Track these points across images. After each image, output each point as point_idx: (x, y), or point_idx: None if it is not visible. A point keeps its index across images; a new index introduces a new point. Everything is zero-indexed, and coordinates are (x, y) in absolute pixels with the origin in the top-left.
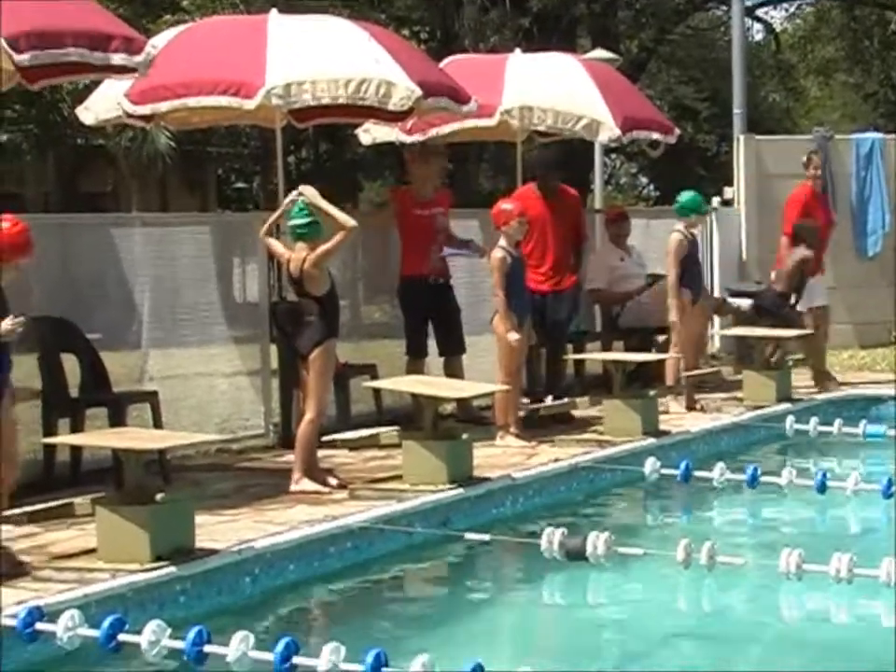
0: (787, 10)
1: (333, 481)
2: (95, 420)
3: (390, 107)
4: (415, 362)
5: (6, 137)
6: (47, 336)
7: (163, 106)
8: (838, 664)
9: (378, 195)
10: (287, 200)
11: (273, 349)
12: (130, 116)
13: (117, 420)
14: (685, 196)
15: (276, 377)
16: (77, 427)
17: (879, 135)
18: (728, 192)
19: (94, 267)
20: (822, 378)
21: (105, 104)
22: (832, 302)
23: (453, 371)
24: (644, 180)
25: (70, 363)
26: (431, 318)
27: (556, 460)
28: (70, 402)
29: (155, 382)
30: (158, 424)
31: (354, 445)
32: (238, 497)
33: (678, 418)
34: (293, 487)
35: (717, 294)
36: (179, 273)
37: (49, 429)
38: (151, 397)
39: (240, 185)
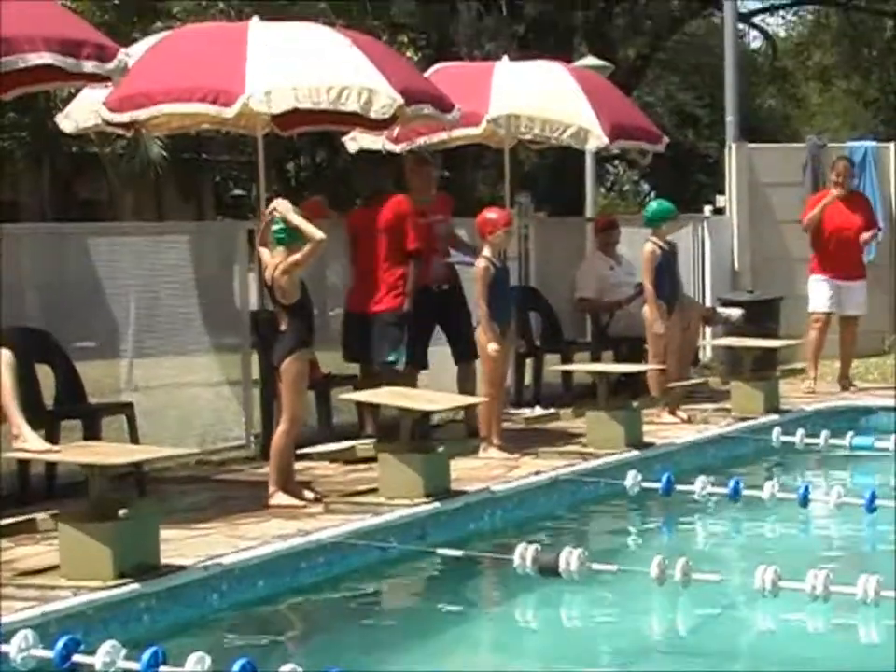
0: (783, 17)
1: (309, 494)
2: (73, 431)
3: (372, 115)
4: (411, 373)
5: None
6: (22, 347)
7: (142, 114)
8: None
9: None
10: (267, 210)
11: (255, 359)
12: (108, 123)
13: (91, 432)
14: (651, 207)
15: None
16: (51, 439)
17: (873, 143)
18: (720, 200)
19: (74, 277)
20: (846, 384)
21: (83, 112)
22: None
23: (465, 376)
24: (647, 187)
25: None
26: (441, 326)
27: (537, 473)
28: (45, 414)
29: (138, 392)
30: (134, 435)
31: (331, 458)
32: (213, 511)
33: (663, 430)
34: (272, 502)
35: (708, 303)
36: (161, 282)
37: None
38: (127, 408)
39: (238, 192)
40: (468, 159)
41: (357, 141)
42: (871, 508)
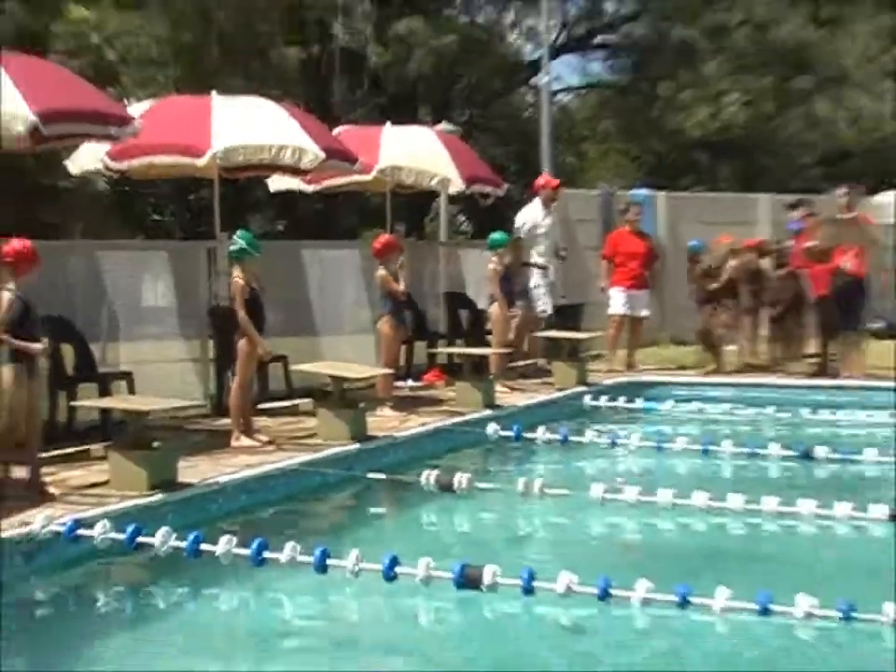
0: (578, 95)
1: (263, 437)
2: (84, 391)
3: (301, 167)
4: None
5: None
6: (51, 330)
7: (136, 163)
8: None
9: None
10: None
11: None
12: (109, 169)
13: (104, 393)
14: (493, 235)
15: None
16: (72, 398)
17: (649, 192)
18: None
19: (83, 279)
20: (632, 366)
21: (87, 159)
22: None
23: None
24: (462, 218)
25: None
26: None
27: (423, 424)
28: (67, 378)
29: (124, 366)
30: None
31: (277, 412)
32: (193, 449)
33: (505, 396)
34: (233, 443)
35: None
36: (145, 285)
37: (51, 399)
38: (128, 376)
39: (156, 217)
40: (340, 198)
41: (275, 182)
42: (660, 448)
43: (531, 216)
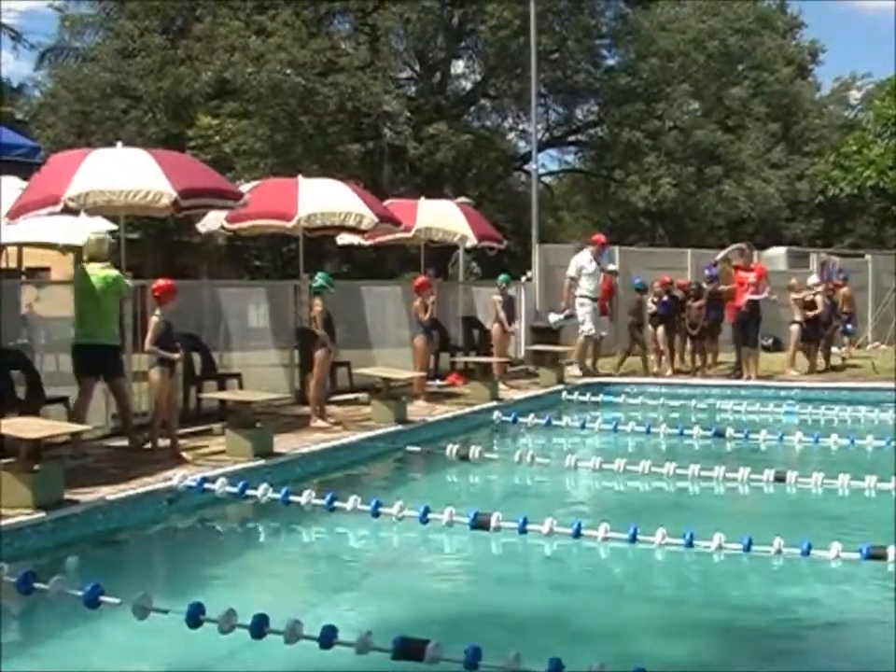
0: (556, 177)
1: (333, 420)
2: (207, 387)
3: (361, 227)
4: None
5: (137, 235)
6: (185, 343)
7: (245, 225)
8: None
9: (330, 270)
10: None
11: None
12: (225, 229)
13: (221, 387)
14: (501, 276)
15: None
16: (199, 391)
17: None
18: (529, 274)
19: (208, 307)
20: (595, 371)
21: (211, 222)
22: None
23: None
24: (474, 264)
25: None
26: None
27: (447, 412)
28: (195, 377)
29: (235, 369)
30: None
31: (343, 403)
32: (284, 429)
33: (506, 391)
34: (312, 424)
35: (524, 326)
36: (250, 311)
37: (185, 392)
38: (238, 376)
39: (258, 263)
40: (388, 249)
41: (342, 238)
42: (615, 429)
43: (581, 262)
